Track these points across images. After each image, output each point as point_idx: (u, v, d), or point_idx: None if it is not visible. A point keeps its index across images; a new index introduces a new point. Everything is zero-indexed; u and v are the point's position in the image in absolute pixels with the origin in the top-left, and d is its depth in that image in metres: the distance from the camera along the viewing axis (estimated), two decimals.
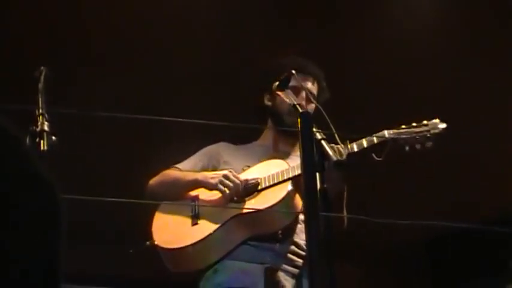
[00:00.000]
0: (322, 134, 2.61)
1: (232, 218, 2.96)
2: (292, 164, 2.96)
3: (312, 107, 3.08)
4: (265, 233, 2.95)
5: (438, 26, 4.93)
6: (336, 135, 2.69)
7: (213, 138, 3.27)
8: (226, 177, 3.00)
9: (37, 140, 2.31)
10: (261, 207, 2.95)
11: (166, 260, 3.04)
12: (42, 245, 1.08)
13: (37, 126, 2.34)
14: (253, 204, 2.97)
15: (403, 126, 2.99)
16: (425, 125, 3.00)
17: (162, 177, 3.16)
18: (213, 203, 3.02)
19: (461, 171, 5.84)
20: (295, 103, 2.82)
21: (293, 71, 2.96)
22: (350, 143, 2.90)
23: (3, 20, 4.59)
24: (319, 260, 2.16)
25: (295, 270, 2.97)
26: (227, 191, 2.98)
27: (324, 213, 2.33)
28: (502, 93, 5.34)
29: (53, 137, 2.34)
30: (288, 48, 3.80)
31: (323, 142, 2.55)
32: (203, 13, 4.75)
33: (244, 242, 2.95)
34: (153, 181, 3.16)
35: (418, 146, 2.97)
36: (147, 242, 3.02)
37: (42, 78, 2.52)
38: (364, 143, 2.92)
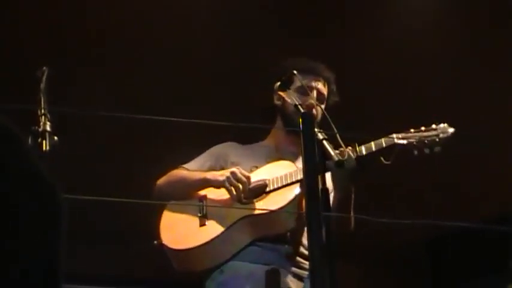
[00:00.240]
0: (323, 134, 2.60)
1: (240, 219, 2.96)
2: (300, 166, 2.95)
3: (322, 107, 3.09)
4: (273, 235, 2.95)
5: (438, 26, 4.93)
6: (338, 137, 2.68)
7: (213, 139, 3.27)
8: (234, 174, 2.99)
9: (39, 140, 2.31)
10: (270, 209, 2.94)
11: (172, 260, 3.03)
12: (42, 245, 1.08)
13: (39, 127, 2.34)
14: (261, 206, 2.97)
15: (412, 130, 2.97)
16: (434, 129, 2.98)
17: (169, 177, 3.16)
18: (221, 203, 3.02)
19: (462, 171, 5.83)
20: (297, 103, 2.82)
21: (295, 72, 2.96)
22: (358, 145, 2.90)
23: (3, 20, 4.59)
24: (321, 261, 2.16)
25: (303, 272, 2.95)
26: (234, 190, 2.97)
27: (326, 214, 2.32)
28: (502, 93, 5.34)
29: (55, 137, 2.34)
30: (288, 48, 3.80)
31: (324, 142, 2.55)
32: (203, 13, 4.75)
33: (251, 243, 2.95)
34: (160, 181, 3.16)
35: (427, 151, 2.96)
36: (155, 242, 3.02)
37: (44, 78, 2.51)
38: (373, 146, 2.91)
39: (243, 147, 3.27)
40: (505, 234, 5.66)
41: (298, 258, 2.97)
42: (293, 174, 2.97)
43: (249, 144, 3.28)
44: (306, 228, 2.94)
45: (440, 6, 4.89)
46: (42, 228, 1.09)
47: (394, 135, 2.94)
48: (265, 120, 3.25)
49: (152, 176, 3.20)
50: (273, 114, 3.25)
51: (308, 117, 2.49)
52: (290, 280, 2.93)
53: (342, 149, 2.72)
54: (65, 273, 1.11)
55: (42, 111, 2.39)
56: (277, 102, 3.19)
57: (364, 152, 2.89)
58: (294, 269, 2.96)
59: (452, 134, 2.99)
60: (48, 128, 2.34)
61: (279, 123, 3.24)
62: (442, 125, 3.01)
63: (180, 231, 3.03)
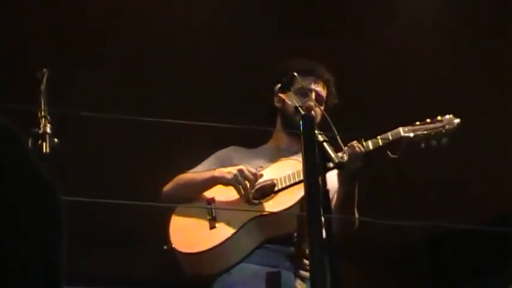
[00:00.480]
0: (324, 136, 2.60)
1: (250, 220, 2.95)
2: None
3: (321, 109, 3.08)
4: (282, 235, 2.93)
5: (438, 26, 4.93)
6: (338, 138, 2.68)
7: (213, 138, 3.26)
8: (241, 171, 2.99)
9: (39, 142, 2.30)
10: (280, 208, 2.93)
11: (183, 264, 3.03)
12: (42, 245, 1.08)
13: (39, 129, 2.33)
14: (271, 205, 2.96)
15: (418, 123, 2.96)
16: (440, 121, 2.97)
17: (177, 180, 3.15)
18: (230, 205, 3.01)
19: (462, 171, 5.84)
20: (297, 105, 2.82)
21: (295, 73, 2.96)
22: (365, 141, 2.90)
23: (3, 20, 4.59)
24: (322, 261, 2.16)
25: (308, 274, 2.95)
26: (241, 189, 2.97)
27: (327, 216, 2.32)
28: (502, 93, 5.35)
29: (55, 140, 2.33)
30: (288, 49, 3.80)
31: (325, 144, 2.54)
32: (203, 13, 4.74)
33: (260, 245, 2.94)
34: (167, 186, 3.15)
35: (433, 143, 2.94)
36: (165, 246, 3.01)
37: (44, 79, 2.50)
38: (380, 141, 2.90)
39: (246, 150, 3.27)
40: (505, 234, 5.67)
41: (305, 261, 2.95)
42: (300, 172, 2.95)
43: (253, 148, 3.29)
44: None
45: (440, 6, 4.89)
46: (42, 228, 1.09)
47: (400, 129, 2.93)
48: (266, 122, 3.25)
49: (152, 176, 3.20)
50: (274, 116, 3.25)
51: (308, 118, 2.49)
52: (298, 284, 2.92)
53: (346, 149, 2.72)
54: (65, 273, 1.11)
55: (43, 113, 2.38)
56: (278, 104, 3.19)
57: (371, 147, 2.88)
58: (300, 271, 2.94)
59: (458, 124, 2.98)
60: (48, 130, 2.33)
61: (279, 125, 3.24)
62: (447, 116, 3.00)
63: (191, 234, 3.02)
